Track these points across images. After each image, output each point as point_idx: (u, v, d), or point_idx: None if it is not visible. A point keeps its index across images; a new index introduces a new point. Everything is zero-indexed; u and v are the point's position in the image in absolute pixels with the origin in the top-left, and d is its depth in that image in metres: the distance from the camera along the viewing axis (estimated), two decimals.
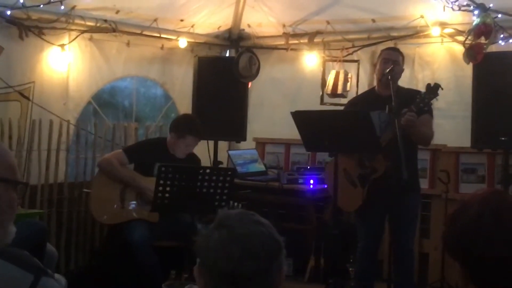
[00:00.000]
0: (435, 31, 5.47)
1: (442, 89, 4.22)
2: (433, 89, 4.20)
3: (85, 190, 5.40)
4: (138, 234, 4.66)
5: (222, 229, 1.63)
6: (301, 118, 4.43)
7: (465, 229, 1.62)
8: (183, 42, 6.20)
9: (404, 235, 4.49)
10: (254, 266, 1.59)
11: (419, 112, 4.21)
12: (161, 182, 4.34)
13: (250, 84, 6.05)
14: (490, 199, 1.65)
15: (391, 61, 4.47)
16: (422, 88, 5.21)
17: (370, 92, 4.84)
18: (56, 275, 1.71)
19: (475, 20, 4.78)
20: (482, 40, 4.82)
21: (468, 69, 5.01)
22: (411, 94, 4.44)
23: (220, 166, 5.78)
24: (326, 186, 5.20)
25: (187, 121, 5.08)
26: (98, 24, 5.46)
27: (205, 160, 5.74)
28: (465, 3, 4.87)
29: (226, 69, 5.77)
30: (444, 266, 5.12)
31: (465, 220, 1.63)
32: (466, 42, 4.96)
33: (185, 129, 4.96)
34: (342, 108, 5.11)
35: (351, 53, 6.07)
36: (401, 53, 4.64)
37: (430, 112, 4.39)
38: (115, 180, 4.88)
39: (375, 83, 4.83)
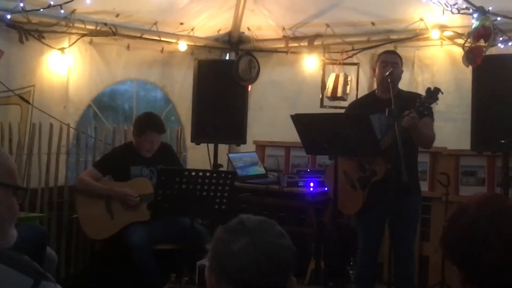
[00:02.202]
0: (434, 34, 5.48)
1: (442, 93, 4.22)
2: (433, 93, 4.21)
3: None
4: (137, 238, 4.68)
5: (247, 237, 1.61)
6: (301, 121, 4.44)
7: (462, 233, 1.62)
8: (183, 45, 6.20)
9: (404, 237, 4.49)
10: (280, 280, 1.62)
11: (420, 116, 4.21)
12: (161, 185, 4.34)
13: (250, 87, 6.04)
14: (487, 203, 1.65)
15: (390, 64, 4.47)
16: (421, 91, 5.23)
17: (371, 95, 4.84)
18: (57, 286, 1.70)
19: (475, 23, 4.79)
20: (482, 43, 4.82)
21: (468, 71, 5.01)
22: (412, 97, 4.44)
23: (220, 169, 5.78)
24: (326, 189, 5.20)
25: (145, 117, 5.16)
26: (98, 28, 5.47)
27: (205, 164, 5.75)
28: (464, 6, 4.88)
29: (226, 72, 5.77)
30: (444, 269, 5.12)
31: (462, 224, 1.63)
32: (466, 45, 4.97)
33: (143, 125, 5.01)
34: (342, 111, 5.12)
35: (351, 56, 6.07)
36: (399, 56, 4.65)
37: (430, 115, 4.40)
38: (95, 196, 4.92)
39: (375, 86, 4.83)
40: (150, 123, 5.03)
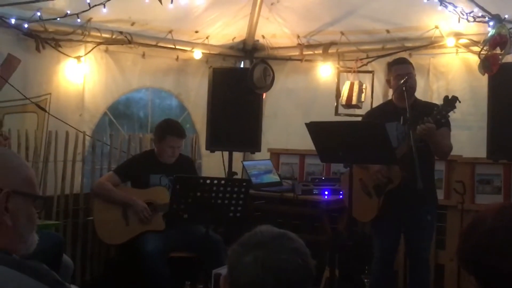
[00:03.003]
0: (450, 41, 5.46)
1: (459, 102, 4.20)
2: (450, 102, 4.18)
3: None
4: (152, 246, 4.69)
5: (258, 251, 1.59)
6: (316, 129, 4.43)
7: (479, 244, 1.61)
8: (197, 54, 6.23)
9: (420, 246, 4.47)
10: None
11: (437, 125, 4.19)
12: (176, 193, 4.35)
13: (264, 95, 6.05)
14: (504, 213, 1.64)
15: (405, 75, 4.44)
16: (436, 98, 5.22)
17: (388, 103, 4.82)
18: (72, 286, 1.72)
19: (491, 31, 4.77)
20: (498, 50, 4.80)
21: (484, 79, 4.99)
22: (429, 106, 4.42)
23: (235, 177, 5.79)
24: (341, 196, 5.19)
25: (164, 123, 5.20)
26: (113, 36, 5.51)
27: (220, 171, 5.76)
28: (480, 14, 4.86)
29: (241, 80, 5.78)
30: (460, 278, 5.09)
31: (478, 235, 1.62)
32: (482, 52, 4.95)
33: (163, 130, 5.05)
34: (356, 119, 5.11)
35: (366, 64, 6.06)
36: (409, 63, 4.60)
37: (447, 124, 4.37)
38: (112, 202, 4.95)
39: (389, 94, 4.82)
40: (169, 128, 5.08)
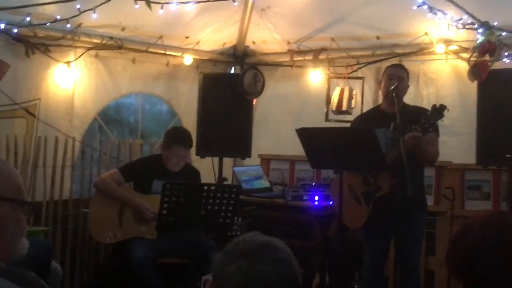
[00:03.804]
0: (439, 48, 5.49)
1: (448, 110, 4.21)
2: (438, 110, 4.19)
3: (83, 210, 5.41)
4: (141, 254, 4.66)
5: (241, 261, 1.58)
6: (306, 134, 4.43)
7: (467, 252, 1.62)
8: (188, 59, 6.23)
9: (410, 252, 4.47)
10: None
11: (424, 132, 4.20)
12: (166, 199, 4.34)
13: (255, 100, 6.05)
14: (492, 221, 1.64)
15: (396, 78, 4.48)
16: (426, 105, 5.23)
17: (376, 109, 4.84)
18: None
19: (480, 38, 4.79)
20: (487, 57, 4.83)
21: (473, 86, 5.01)
22: (417, 111, 4.44)
23: (225, 182, 5.78)
24: (331, 202, 5.19)
25: (173, 131, 5.19)
26: (104, 41, 5.50)
27: (210, 177, 5.74)
28: (469, 21, 4.89)
29: (231, 85, 5.78)
30: (450, 284, 5.09)
31: (467, 243, 1.63)
32: (471, 59, 4.97)
33: (170, 139, 5.01)
34: (347, 125, 5.12)
35: (356, 70, 6.08)
36: (405, 70, 4.66)
37: (436, 130, 4.39)
38: (112, 199, 4.91)
39: (380, 100, 4.84)
40: (176, 137, 5.04)
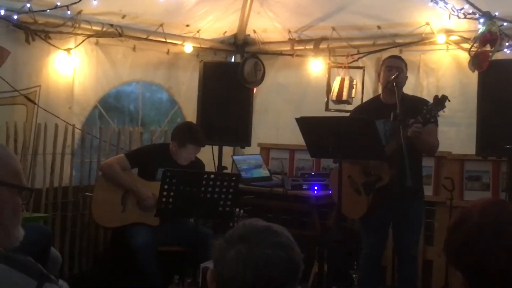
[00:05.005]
0: (440, 38, 5.47)
1: (449, 101, 4.22)
2: (440, 101, 4.20)
3: (87, 193, 5.42)
4: (141, 239, 4.68)
5: (240, 245, 1.58)
6: (306, 124, 4.44)
7: (465, 241, 1.62)
8: (188, 47, 6.21)
9: (408, 242, 4.49)
10: None
11: (425, 123, 4.21)
12: (166, 187, 4.34)
13: (255, 89, 6.05)
14: (490, 210, 1.64)
15: (395, 68, 4.48)
16: (426, 95, 5.23)
17: (375, 100, 4.84)
18: (59, 281, 1.71)
19: (481, 28, 4.78)
20: (488, 48, 4.82)
21: (473, 76, 5.01)
22: (417, 101, 4.44)
23: (225, 171, 5.79)
24: (330, 192, 5.20)
25: (188, 130, 5.07)
26: (104, 29, 5.48)
27: (210, 165, 5.75)
28: (470, 11, 4.87)
29: (231, 74, 5.77)
30: (448, 273, 5.11)
31: (465, 231, 1.63)
32: (472, 49, 4.96)
33: (186, 138, 4.97)
34: (347, 114, 5.12)
35: (356, 60, 6.07)
36: (403, 61, 4.65)
37: (435, 121, 4.39)
38: (116, 184, 4.91)
39: (380, 90, 4.83)
40: (192, 137, 4.97)
